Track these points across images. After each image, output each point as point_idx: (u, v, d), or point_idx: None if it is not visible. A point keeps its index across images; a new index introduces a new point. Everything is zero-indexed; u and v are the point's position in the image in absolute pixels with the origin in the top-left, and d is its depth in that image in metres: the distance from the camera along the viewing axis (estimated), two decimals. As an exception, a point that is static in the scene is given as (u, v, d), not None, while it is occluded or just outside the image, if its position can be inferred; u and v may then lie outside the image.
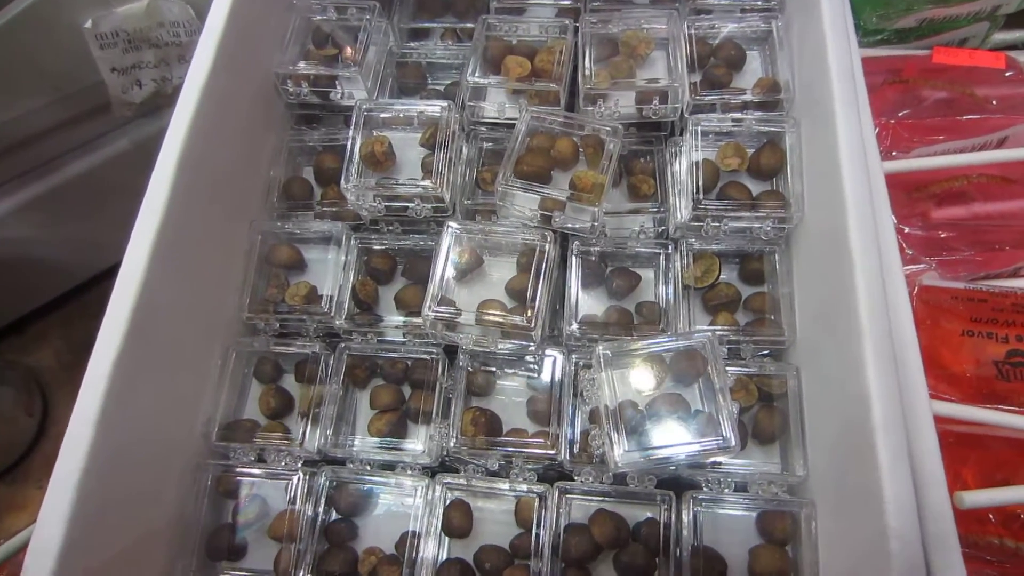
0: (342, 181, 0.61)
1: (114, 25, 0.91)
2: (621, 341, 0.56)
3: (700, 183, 0.60)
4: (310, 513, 0.56)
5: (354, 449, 0.58)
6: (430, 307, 0.56)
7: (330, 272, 0.63)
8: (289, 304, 0.62)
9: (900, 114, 0.66)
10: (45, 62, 0.93)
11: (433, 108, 0.64)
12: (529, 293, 0.57)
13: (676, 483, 0.56)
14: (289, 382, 0.64)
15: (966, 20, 0.70)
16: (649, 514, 0.55)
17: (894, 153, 0.65)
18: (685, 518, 0.54)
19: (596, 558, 0.54)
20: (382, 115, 0.65)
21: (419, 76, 0.72)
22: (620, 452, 0.51)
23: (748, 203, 0.59)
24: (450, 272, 0.59)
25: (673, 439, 0.52)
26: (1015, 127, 0.66)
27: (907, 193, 0.65)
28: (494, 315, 0.56)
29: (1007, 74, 0.68)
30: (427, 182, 0.61)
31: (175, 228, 0.54)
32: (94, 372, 0.49)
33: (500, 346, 0.58)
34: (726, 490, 0.55)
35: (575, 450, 0.56)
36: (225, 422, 0.60)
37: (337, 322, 0.61)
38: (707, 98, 0.63)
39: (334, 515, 0.58)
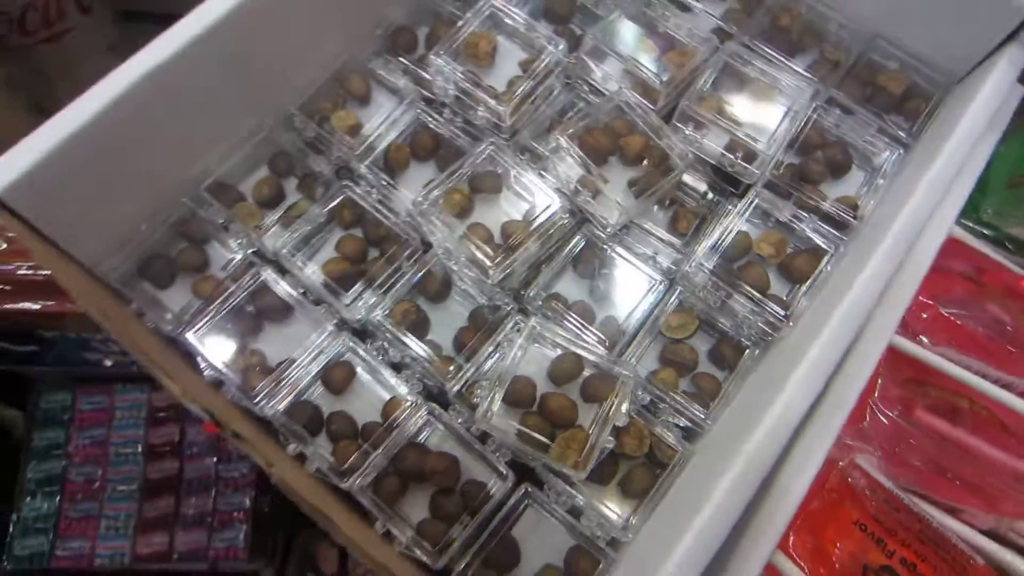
0: (435, 48, 0.63)
1: None
2: (557, 326, 0.57)
3: (725, 249, 0.60)
4: (232, 288, 0.60)
5: (300, 272, 0.62)
6: (425, 194, 0.59)
7: (382, 121, 0.66)
8: (332, 126, 0.66)
9: (951, 311, 0.63)
10: None
11: (546, 41, 0.64)
12: (515, 238, 0.58)
13: (529, 473, 0.58)
14: (291, 186, 0.67)
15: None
16: (484, 480, 0.57)
17: (921, 338, 0.62)
18: (511, 501, 0.56)
19: (420, 482, 0.57)
20: (505, 19, 0.66)
21: (567, 11, 0.73)
22: (489, 414, 0.54)
23: (755, 293, 0.59)
24: (465, 180, 0.61)
25: (538, 431, 0.54)
26: (1049, 387, 0.63)
27: (903, 380, 0.63)
28: (472, 238, 0.58)
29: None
30: (503, 105, 0.62)
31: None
32: (137, 62, 0.53)
33: (463, 269, 0.60)
34: (558, 505, 0.56)
35: (464, 389, 0.58)
36: (220, 180, 0.64)
37: (356, 164, 0.64)
38: (787, 184, 0.62)
39: (250, 310, 0.62)
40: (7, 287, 0.76)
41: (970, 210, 0.66)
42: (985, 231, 0.66)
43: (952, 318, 0.63)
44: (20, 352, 1.10)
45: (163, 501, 1.19)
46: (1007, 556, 0.60)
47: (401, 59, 0.68)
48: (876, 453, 0.60)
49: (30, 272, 0.79)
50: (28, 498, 1.11)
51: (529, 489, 0.56)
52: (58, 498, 1.15)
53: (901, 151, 0.63)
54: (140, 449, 1.23)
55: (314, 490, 0.52)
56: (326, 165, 0.65)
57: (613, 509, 0.57)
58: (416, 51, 0.71)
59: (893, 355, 0.62)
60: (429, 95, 0.68)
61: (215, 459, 1.23)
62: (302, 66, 0.66)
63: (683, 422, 0.59)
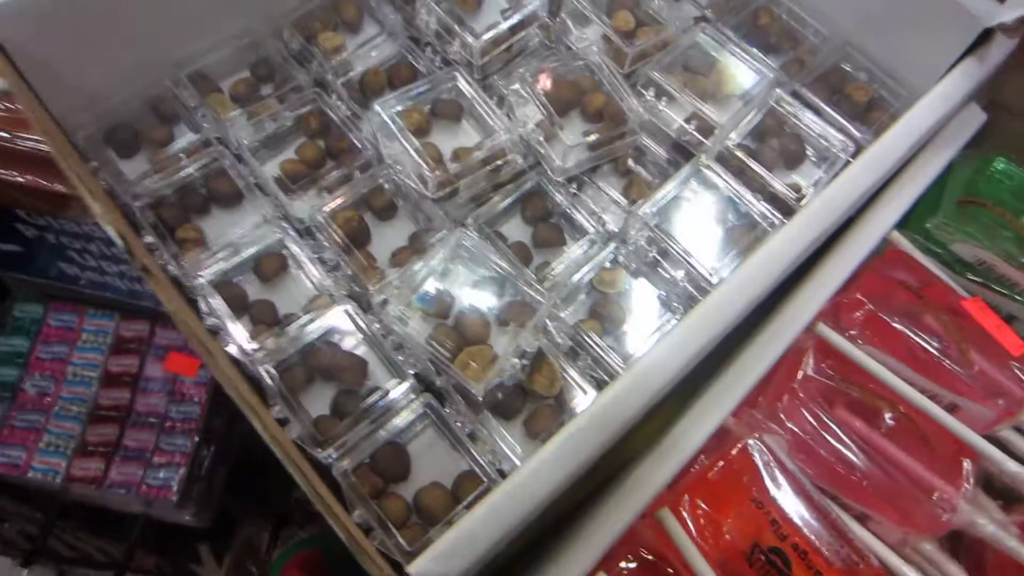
0: (424, -12, 0.66)
1: None
2: (488, 244, 0.58)
3: (663, 210, 0.61)
4: (184, 162, 0.62)
5: (256, 164, 0.63)
6: (384, 102, 0.61)
7: (365, 43, 0.69)
8: (319, 42, 0.68)
9: (888, 316, 0.63)
10: None
11: (533, -2, 0.67)
12: (461, 159, 0.60)
13: (434, 390, 0.58)
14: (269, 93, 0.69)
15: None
16: (382, 385, 0.57)
17: (848, 333, 0.62)
18: (410, 414, 0.56)
19: (327, 381, 0.58)
20: (497, -34, 0.70)
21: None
22: (402, 316, 0.54)
23: (684, 256, 0.59)
24: (427, 101, 0.63)
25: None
26: (974, 405, 0.62)
27: (828, 375, 0.62)
28: (422, 152, 0.60)
29: (1014, 366, 0.64)
30: (476, 41, 0.64)
31: None
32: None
33: (407, 181, 0.62)
34: (457, 423, 0.56)
35: (387, 299, 0.58)
36: (202, 71, 0.67)
37: (333, 78, 0.67)
38: (738, 157, 0.63)
39: (201, 190, 0.64)
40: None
41: (919, 224, 0.66)
42: (932, 247, 0.66)
43: (887, 322, 0.63)
44: (2, 252, 1.13)
45: (108, 429, 1.19)
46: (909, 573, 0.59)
47: (395, -2, 0.72)
48: (787, 437, 0.59)
49: (25, 145, 0.80)
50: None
51: (432, 404, 0.56)
52: (6, 405, 1.16)
53: (853, 149, 0.64)
54: (97, 374, 1.24)
55: (211, 348, 0.53)
56: (305, 77, 0.68)
57: (511, 444, 0.56)
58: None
59: (821, 346, 0.62)
60: (416, 35, 0.71)
61: (168, 398, 1.23)
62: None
63: (600, 374, 0.59)
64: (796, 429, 0.62)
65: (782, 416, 0.62)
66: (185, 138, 0.65)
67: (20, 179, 0.81)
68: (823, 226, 0.56)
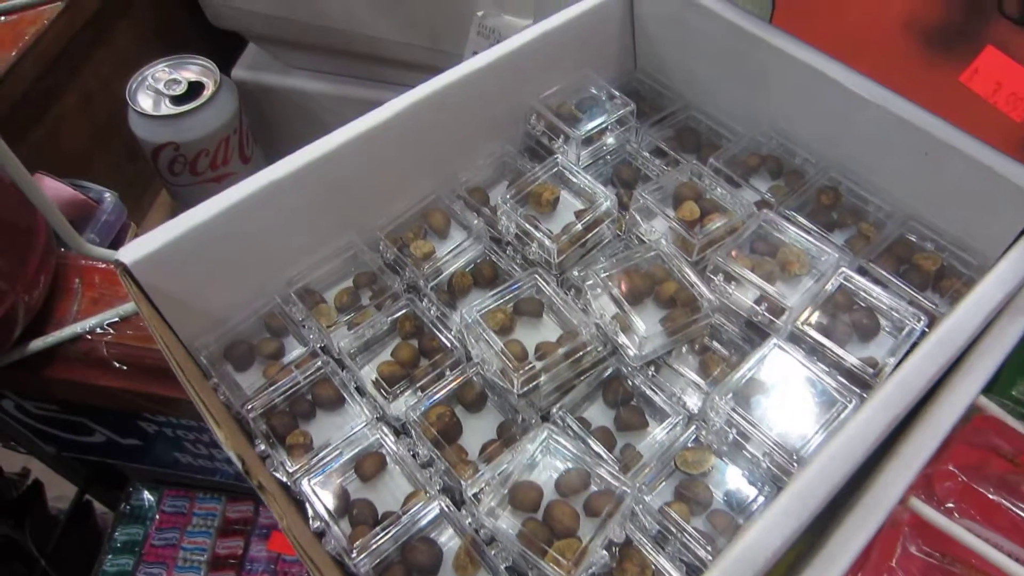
0: (503, 193, 0.74)
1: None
2: (570, 441, 0.61)
3: (740, 392, 0.63)
4: (294, 374, 0.69)
5: (356, 368, 0.70)
6: (470, 308, 0.66)
7: (452, 250, 0.76)
8: (410, 251, 0.76)
9: (984, 487, 0.61)
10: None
11: (600, 197, 0.74)
12: (544, 354, 0.64)
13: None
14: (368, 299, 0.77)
15: None
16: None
17: (944, 507, 0.61)
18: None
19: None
20: (569, 176, 0.77)
21: (632, 176, 0.82)
22: (491, 511, 0.57)
23: (765, 437, 0.61)
24: (510, 302, 0.69)
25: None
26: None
27: (927, 552, 0.60)
28: (505, 351, 0.64)
29: None
30: (553, 243, 0.71)
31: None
32: (257, 177, 0.67)
33: (494, 378, 0.66)
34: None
35: (479, 492, 0.61)
36: (308, 286, 0.75)
37: (423, 284, 0.74)
38: (809, 335, 0.65)
39: (307, 396, 0.70)
40: (124, 367, 0.88)
41: (1006, 389, 0.65)
42: (1021, 409, 0.65)
43: (983, 493, 0.61)
44: (124, 446, 1.23)
45: (214, 613, 1.23)
46: None
47: (476, 205, 0.79)
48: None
49: (152, 358, 0.90)
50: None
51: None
52: (124, 595, 1.22)
53: (927, 320, 0.65)
54: (206, 557, 1.29)
55: (319, 555, 0.56)
56: (399, 283, 0.75)
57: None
58: (490, 204, 0.82)
59: (916, 522, 0.60)
60: (497, 236, 0.78)
61: (270, 577, 1.27)
62: (393, 200, 0.78)
63: (691, 559, 0.59)
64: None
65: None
66: (296, 351, 0.72)
67: (148, 390, 0.90)
68: (905, 402, 0.57)
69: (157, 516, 1.31)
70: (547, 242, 0.71)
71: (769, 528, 0.51)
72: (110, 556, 1.28)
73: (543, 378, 0.64)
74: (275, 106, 1.43)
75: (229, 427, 0.56)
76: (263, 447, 0.64)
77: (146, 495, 1.32)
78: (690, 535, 0.58)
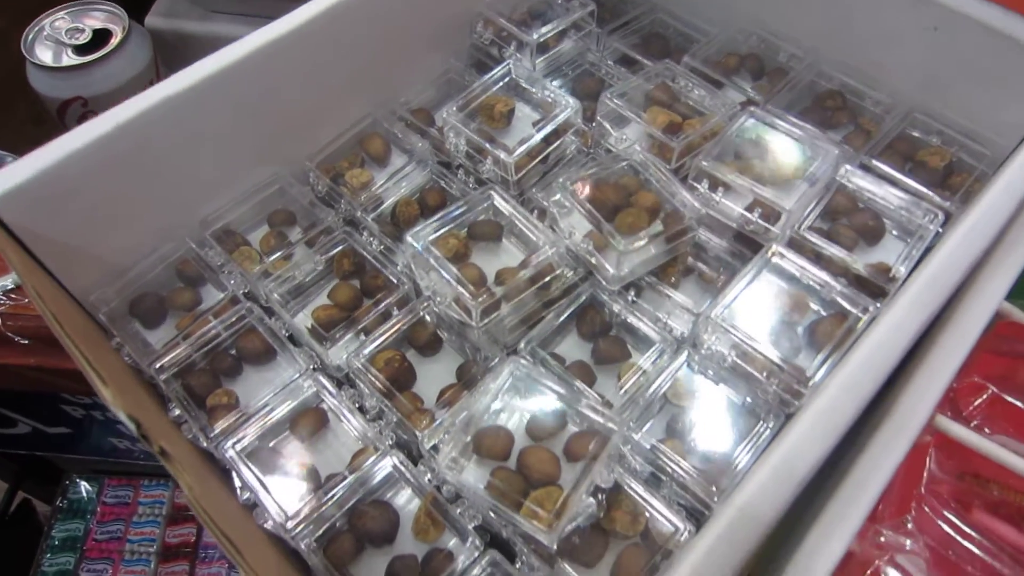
0: (447, 108, 0.64)
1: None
2: (546, 369, 0.52)
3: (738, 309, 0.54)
4: (213, 324, 0.58)
5: (288, 316, 0.59)
6: (416, 233, 0.56)
7: (393, 176, 0.66)
8: (346, 181, 0.66)
9: (1011, 396, 0.54)
10: None
11: (563, 103, 0.64)
12: (505, 280, 0.55)
13: (500, 541, 0.50)
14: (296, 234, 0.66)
15: None
16: (441, 546, 0.50)
17: (973, 424, 0.53)
18: (475, 572, 0.48)
19: (379, 546, 0.51)
20: (524, 86, 0.67)
21: (596, 89, 0.73)
22: (453, 463, 0.48)
23: (769, 358, 0.52)
24: (463, 225, 0.59)
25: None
26: None
27: (959, 474, 0.53)
28: (460, 277, 0.54)
29: None
30: (509, 156, 0.61)
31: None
32: (149, 93, 0.55)
33: (448, 311, 0.56)
34: (532, 582, 0.48)
35: (438, 444, 0.52)
36: (228, 227, 0.64)
37: (362, 215, 0.63)
38: (811, 241, 0.57)
39: (231, 350, 0.59)
40: (26, 341, 0.77)
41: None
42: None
43: (1015, 404, 0.53)
44: (52, 435, 1.11)
45: (169, 607, 1.13)
46: None
47: (421, 126, 0.69)
48: (924, 555, 0.49)
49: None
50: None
51: (499, 560, 0.48)
52: (63, 597, 1.11)
53: (942, 218, 0.57)
54: (155, 548, 1.19)
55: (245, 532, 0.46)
56: (333, 218, 0.64)
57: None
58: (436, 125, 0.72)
59: (945, 443, 0.52)
60: (445, 160, 0.68)
61: (228, 566, 1.17)
62: (322, 125, 0.68)
63: (690, 501, 0.51)
64: (933, 543, 0.51)
65: (913, 529, 0.52)
66: (215, 300, 0.61)
67: (60, 366, 0.78)
68: (932, 306, 0.48)
69: (98, 508, 1.20)
70: (503, 156, 0.61)
71: (788, 457, 0.43)
72: (48, 555, 1.17)
73: (505, 308, 0.55)
74: (196, 56, 1.29)
75: (119, 384, 0.46)
76: (178, 412, 0.54)
77: (84, 487, 1.21)
78: (687, 474, 0.50)
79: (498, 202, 0.59)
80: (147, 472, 1.22)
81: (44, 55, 1.09)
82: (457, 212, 0.58)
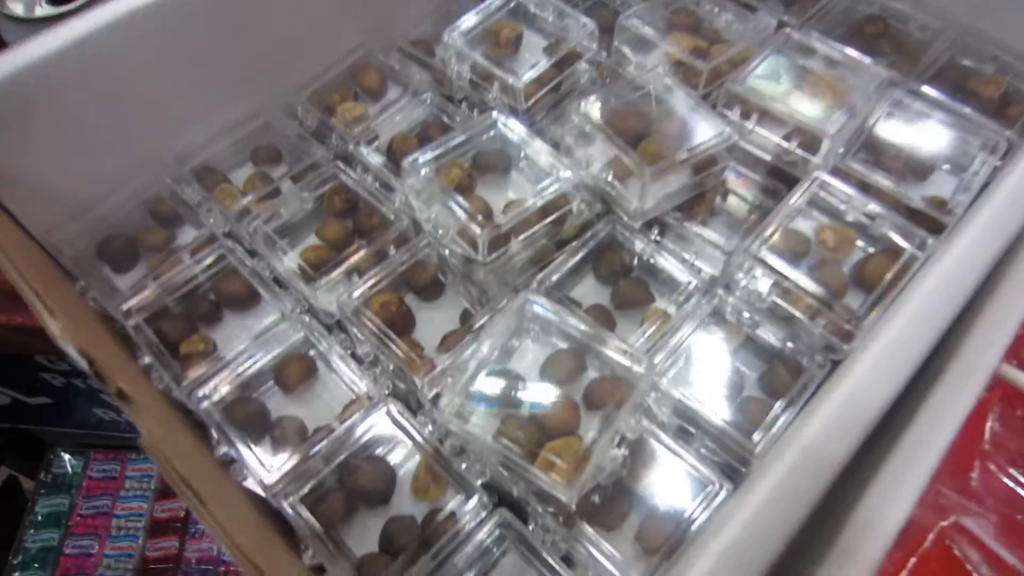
0: (448, 32, 0.57)
1: None
2: (561, 308, 0.45)
3: (778, 248, 0.48)
4: (187, 264, 0.52)
5: (273, 257, 0.53)
6: (413, 160, 0.50)
7: (390, 107, 0.60)
8: (339, 115, 0.60)
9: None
10: None
11: (577, 26, 0.58)
12: (513, 217, 0.49)
13: (511, 502, 0.44)
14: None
15: None
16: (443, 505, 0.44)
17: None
18: (483, 535, 0.42)
19: (373, 506, 0.45)
20: (533, 11, 0.61)
21: (611, 23, 0.66)
22: (457, 411, 0.42)
23: (815, 301, 0.46)
24: (468, 155, 0.53)
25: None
26: None
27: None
28: (465, 208, 0.48)
29: None
30: (519, 81, 0.55)
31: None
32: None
33: (452, 245, 0.50)
34: (546, 543, 0.42)
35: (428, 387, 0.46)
36: (207, 164, 0.58)
37: (356, 149, 0.57)
38: (856, 171, 0.51)
39: (209, 294, 0.54)
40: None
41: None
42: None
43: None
44: (33, 406, 1.06)
45: (157, 583, 1.08)
46: None
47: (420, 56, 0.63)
48: (990, 518, 0.43)
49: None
50: (18, 573, 1.05)
51: (509, 520, 0.42)
52: (49, 572, 1.07)
53: (1003, 148, 0.51)
54: (143, 523, 1.15)
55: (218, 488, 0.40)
56: (323, 152, 0.58)
57: (621, 564, 0.42)
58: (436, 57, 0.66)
59: (1009, 393, 0.47)
60: (447, 93, 0.62)
61: (219, 544, 1.12)
62: (311, 55, 0.62)
63: (726, 457, 0.45)
64: (997, 505, 0.46)
65: (978, 489, 0.46)
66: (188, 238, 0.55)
67: (30, 323, 0.72)
68: (1000, 242, 0.43)
69: (84, 483, 1.15)
70: (511, 80, 0.55)
71: (845, 408, 0.37)
72: (31, 531, 1.12)
73: (515, 244, 0.49)
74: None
75: (72, 318, 0.40)
76: (148, 360, 0.48)
77: (69, 461, 1.16)
78: (722, 426, 0.44)
79: (505, 129, 0.53)
80: (134, 446, 1.17)
81: (15, 6, 1.02)
82: (461, 139, 0.52)
